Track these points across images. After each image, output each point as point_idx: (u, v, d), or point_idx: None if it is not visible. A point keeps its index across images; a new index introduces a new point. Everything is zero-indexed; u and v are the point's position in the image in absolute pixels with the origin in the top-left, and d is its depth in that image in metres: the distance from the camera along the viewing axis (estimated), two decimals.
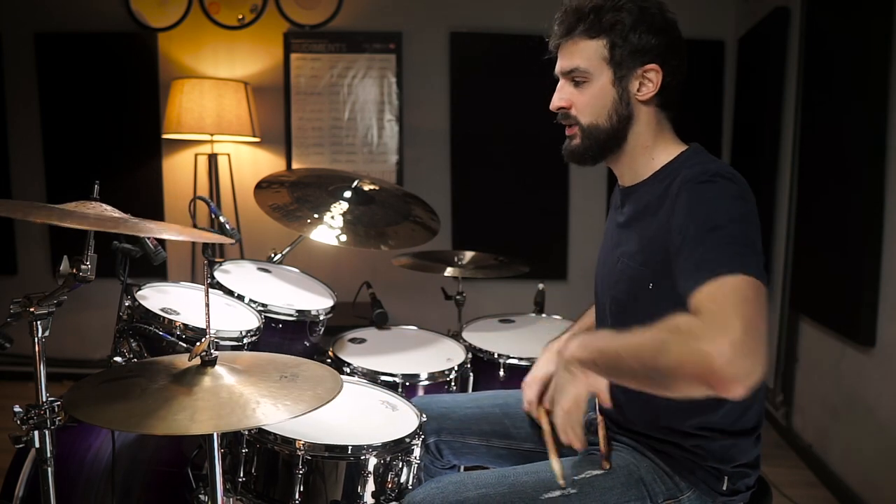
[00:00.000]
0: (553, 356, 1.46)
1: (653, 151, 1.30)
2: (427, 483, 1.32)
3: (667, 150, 1.30)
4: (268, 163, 3.83)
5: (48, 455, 1.12)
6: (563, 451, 1.34)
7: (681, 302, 1.06)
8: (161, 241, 1.53)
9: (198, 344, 1.10)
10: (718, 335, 0.95)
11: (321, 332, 1.87)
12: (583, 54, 1.26)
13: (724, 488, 1.25)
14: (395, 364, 1.83)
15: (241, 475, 1.33)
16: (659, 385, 1.04)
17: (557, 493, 1.22)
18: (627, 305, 1.29)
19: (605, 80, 1.26)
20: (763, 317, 1.00)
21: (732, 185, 1.15)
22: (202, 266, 1.24)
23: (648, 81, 1.26)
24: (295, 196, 2.02)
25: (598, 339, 1.16)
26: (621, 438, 1.35)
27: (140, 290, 1.60)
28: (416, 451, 1.37)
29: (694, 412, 1.23)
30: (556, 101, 1.31)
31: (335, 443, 1.30)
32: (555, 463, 1.26)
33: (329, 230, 1.91)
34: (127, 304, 1.51)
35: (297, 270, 2.09)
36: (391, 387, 1.65)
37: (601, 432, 1.34)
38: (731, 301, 0.99)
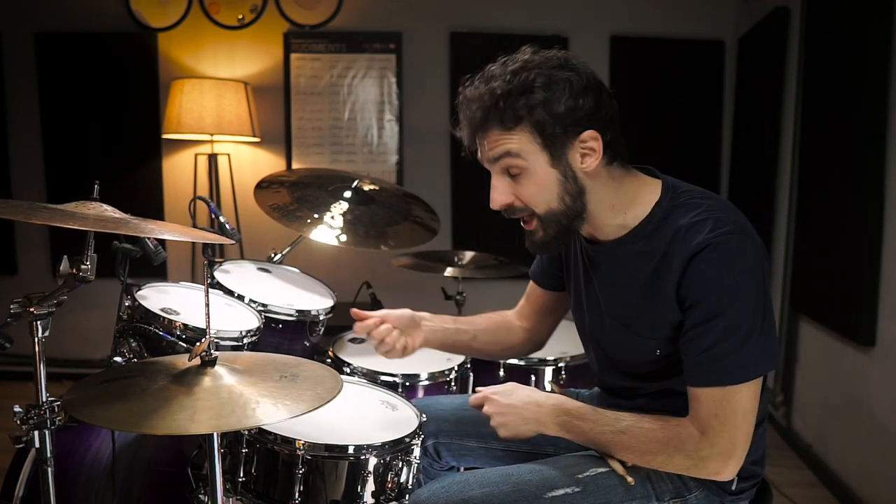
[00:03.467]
0: (534, 410, 1.29)
1: (623, 207, 1.22)
2: (431, 483, 1.32)
3: (637, 201, 1.21)
4: (268, 163, 3.83)
5: (48, 455, 1.12)
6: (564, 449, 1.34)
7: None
8: (161, 241, 1.53)
9: (198, 344, 1.10)
10: (723, 457, 1.12)
11: (321, 332, 1.86)
12: (507, 144, 1.15)
13: (734, 487, 1.25)
14: (395, 364, 1.83)
15: (241, 475, 1.33)
16: (641, 463, 1.21)
17: (561, 491, 1.22)
18: (634, 363, 1.29)
19: (543, 164, 1.15)
20: (755, 416, 1.14)
21: (747, 239, 1.12)
22: (202, 266, 1.24)
23: (590, 150, 1.15)
24: (295, 196, 2.02)
25: (597, 425, 1.23)
26: None
27: (140, 290, 1.60)
28: (416, 451, 1.37)
29: None
30: (499, 199, 1.19)
31: (335, 443, 1.30)
32: (613, 463, 1.26)
33: (329, 230, 1.91)
34: (127, 304, 1.51)
35: (297, 270, 2.09)
36: (391, 387, 1.65)
37: None
38: (732, 422, 1.11)
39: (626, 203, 1.22)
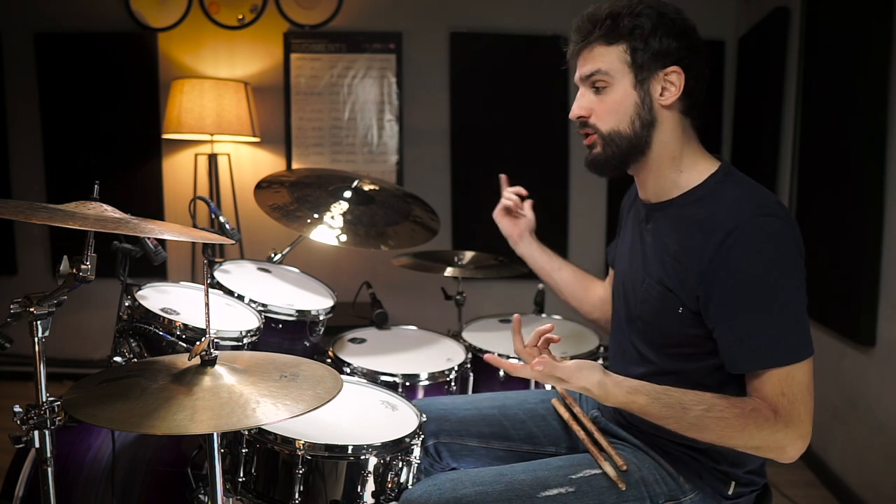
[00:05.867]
0: (599, 384, 1.18)
1: (680, 163, 1.27)
2: (424, 481, 1.31)
3: (696, 166, 1.27)
4: (268, 163, 3.83)
5: (48, 455, 1.12)
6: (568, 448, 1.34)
7: (701, 327, 1.19)
8: (161, 241, 1.53)
9: (197, 343, 1.10)
10: (794, 434, 1.12)
11: (321, 332, 1.86)
12: (602, 59, 1.24)
13: (731, 493, 1.25)
14: (395, 364, 1.83)
15: (241, 475, 1.33)
16: (717, 443, 1.16)
17: (554, 491, 1.22)
18: (654, 325, 1.29)
19: (627, 84, 1.23)
20: (813, 392, 1.15)
21: (786, 225, 1.15)
22: (202, 266, 1.24)
23: (671, 85, 1.23)
24: (295, 196, 2.02)
25: (671, 398, 1.15)
26: (624, 436, 1.35)
27: (140, 289, 1.60)
28: (416, 451, 1.37)
29: None
30: (576, 110, 1.29)
31: (335, 443, 1.30)
32: (606, 467, 1.26)
33: (329, 230, 1.90)
34: (127, 304, 1.51)
35: (297, 270, 2.09)
36: (391, 387, 1.65)
37: (603, 441, 1.34)
38: (800, 398, 1.13)
39: (685, 162, 1.27)
